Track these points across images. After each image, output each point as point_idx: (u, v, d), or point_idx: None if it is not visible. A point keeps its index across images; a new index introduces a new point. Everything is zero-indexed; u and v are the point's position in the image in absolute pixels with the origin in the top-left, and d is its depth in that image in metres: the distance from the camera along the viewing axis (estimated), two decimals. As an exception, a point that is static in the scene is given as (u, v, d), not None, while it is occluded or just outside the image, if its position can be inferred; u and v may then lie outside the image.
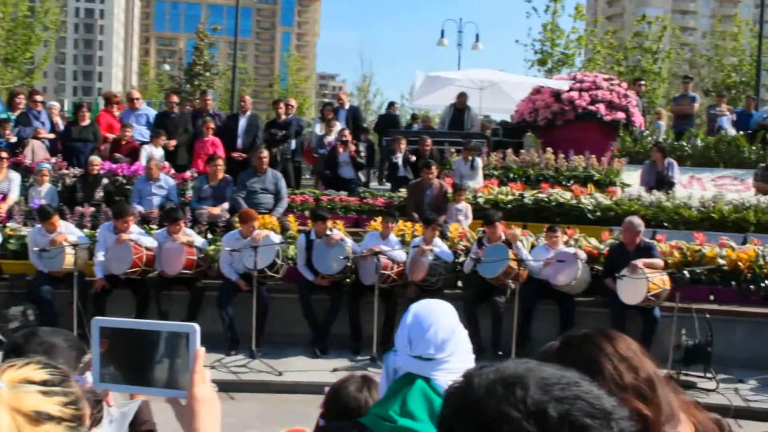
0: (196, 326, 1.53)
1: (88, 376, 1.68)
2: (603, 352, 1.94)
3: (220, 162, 10.95)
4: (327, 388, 2.92)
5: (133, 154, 12.15)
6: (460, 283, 9.42)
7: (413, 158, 12.73)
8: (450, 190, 10.88)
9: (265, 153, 10.88)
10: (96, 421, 2.36)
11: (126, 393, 1.81)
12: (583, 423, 0.98)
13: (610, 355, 1.93)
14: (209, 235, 9.82)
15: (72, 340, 2.31)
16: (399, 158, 12.94)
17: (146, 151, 11.96)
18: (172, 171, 11.67)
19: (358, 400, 2.81)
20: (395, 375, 2.12)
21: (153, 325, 1.56)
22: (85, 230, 9.62)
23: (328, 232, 8.90)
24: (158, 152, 11.98)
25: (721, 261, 9.10)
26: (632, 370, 1.92)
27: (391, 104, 18.77)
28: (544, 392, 1.00)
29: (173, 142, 12.59)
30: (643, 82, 17.53)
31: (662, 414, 1.89)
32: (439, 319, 2.10)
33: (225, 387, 7.83)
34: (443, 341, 2.06)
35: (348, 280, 9.09)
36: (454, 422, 1.05)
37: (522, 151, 13.54)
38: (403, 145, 13.10)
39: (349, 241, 8.98)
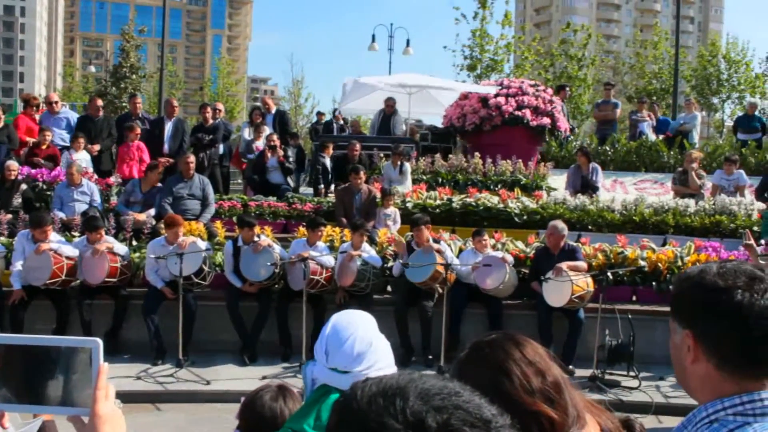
0: (99, 341, 1.48)
1: None
2: (511, 357, 1.96)
3: (161, 169, 10.77)
4: (243, 398, 2.87)
5: (54, 158, 11.78)
6: (389, 288, 9.45)
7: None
8: (379, 195, 10.91)
9: (192, 158, 10.71)
10: None
11: (24, 413, 1.74)
12: None
13: (518, 360, 1.96)
14: (134, 242, 9.59)
15: None
16: (327, 162, 12.97)
17: (66, 156, 11.61)
18: (95, 177, 11.36)
19: (273, 410, 2.77)
20: (314, 385, 2.10)
21: (51, 341, 1.50)
22: (1, 238, 9.28)
23: (256, 239, 8.81)
24: (81, 156, 11.64)
25: (642, 262, 9.37)
26: (539, 375, 1.95)
27: (320, 114, 18.83)
28: (423, 402, 1.01)
29: (96, 147, 12.27)
30: (568, 88, 17.96)
31: (569, 416, 1.93)
32: (356, 331, 2.08)
33: (151, 398, 7.69)
34: (359, 354, 2.04)
35: (276, 286, 9.01)
36: None
37: (450, 155, 13.68)
38: (330, 150, 13.13)
39: (277, 248, 8.90)
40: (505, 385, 1.91)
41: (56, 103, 13.33)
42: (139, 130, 12.16)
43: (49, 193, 10.87)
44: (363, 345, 2.05)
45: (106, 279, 8.53)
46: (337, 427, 1.06)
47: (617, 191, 13.53)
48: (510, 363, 1.95)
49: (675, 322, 1.63)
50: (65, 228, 9.86)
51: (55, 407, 1.50)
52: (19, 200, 10.52)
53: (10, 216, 9.94)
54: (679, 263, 9.40)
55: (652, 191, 13.59)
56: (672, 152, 14.80)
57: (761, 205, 11.50)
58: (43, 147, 11.89)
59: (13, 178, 10.62)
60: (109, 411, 1.47)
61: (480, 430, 1.01)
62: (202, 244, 8.72)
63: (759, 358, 1.52)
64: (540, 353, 2.01)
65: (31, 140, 12.21)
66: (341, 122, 18.31)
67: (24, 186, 10.72)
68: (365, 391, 1.05)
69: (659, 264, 9.35)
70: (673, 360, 1.64)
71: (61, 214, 10.09)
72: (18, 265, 8.47)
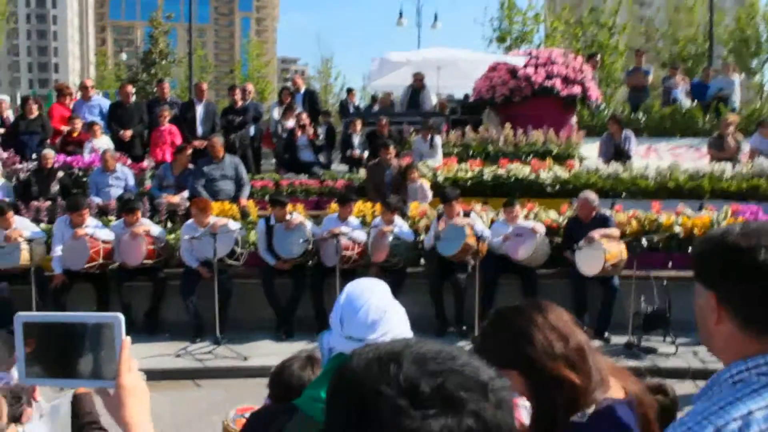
0: (120, 316, 1.54)
1: (14, 372, 1.67)
2: (534, 323, 1.98)
3: (189, 151, 10.89)
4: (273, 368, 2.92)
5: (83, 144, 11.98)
6: (422, 262, 9.47)
7: (358, 154, 12.76)
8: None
9: (217, 139, 10.76)
10: (17, 416, 2.34)
11: (54, 386, 1.81)
12: (456, 396, 0.99)
13: (540, 325, 1.98)
14: (169, 224, 9.74)
15: (4, 337, 2.29)
16: (356, 141, 12.98)
17: (89, 145, 11.78)
18: (129, 161, 11.53)
19: (301, 379, 2.82)
20: (330, 354, 2.13)
21: (77, 317, 1.56)
22: (42, 225, 9.48)
23: (288, 217, 8.88)
24: (103, 143, 11.77)
25: (678, 229, 9.26)
26: (562, 340, 1.97)
27: (350, 91, 18.75)
28: (418, 367, 1.01)
29: (129, 133, 12.44)
30: (598, 57, 17.68)
31: (592, 381, 1.94)
32: (370, 299, 2.10)
33: (191, 374, 7.85)
34: (373, 322, 2.06)
35: (310, 263, 9.09)
36: (333, 400, 1.06)
37: (481, 128, 13.60)
38: (359, 127, 13.12)
39: (309, 224, 8.97)
40: (527, 350, 1.94)
41: (91, 88, 13.53)
42: (168, 114, 12.28)
43: (85, 179, 11.07)
44: (377, 313, 2.07)
45: (144, 261, 8.70)
46: (333, 395, 1.07)
47: (651, 158, 13.34)
48: (532, 328, 1.97)
49: (699, 284, 1.63)
50: (102, 213, 10.05)
51: (84, 380, 1.57)
52: (57, 188, 10.74)
53: (49, 203, 10.15)
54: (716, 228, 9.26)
55: (687, 157, 13.37)
56: (707, 117, 14.53)
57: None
58: (74, 135, 12.08)
59: (50, 166, 10.83)
60: (133, 382, 1.52)
61: (476, 394, 1.00)
62: (234, 225, 8.81)
63: None
64: (563, 319, 2.03)
65: (65, 128, 12.41)
66: (355, 102, 18.17)
67: (61, 173, 10.93)
68: (362, 358, 1.06)
69: (695, 230, 9.23)
70: (699, 322, 1.64)
71: (98, 200, 10.27)
72: (58, 250, 8.68)
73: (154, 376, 7.35)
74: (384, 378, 1.01)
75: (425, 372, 1.01)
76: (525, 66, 14.13)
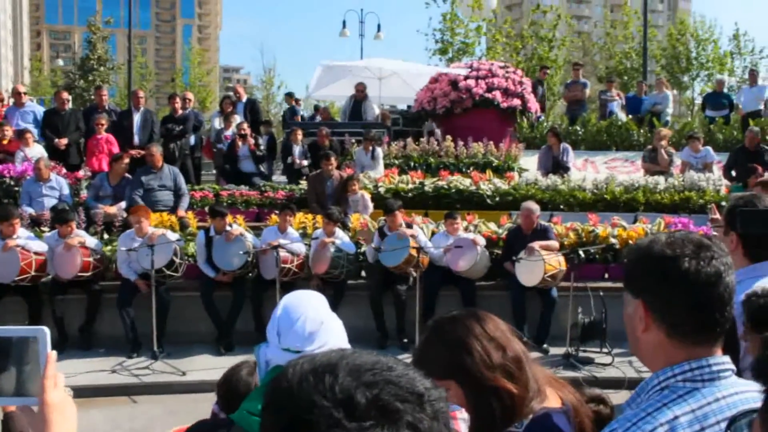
0: (45, 329, 1.48)
1: None
2: (472, 332, 1.99)
3: (126, 161, 10.68)
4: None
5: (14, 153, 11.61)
6: (363, 274, 9.47)
7: (303, 164, 12.75)
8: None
9: (156, 149, 10.59)
10: None
11: None
12: (393, 407, 0.98)
13: (478, 335, 1.98)
14: (105, 236, 9.52)
15: None
16: (296, 151, 12.93)
17: (20, 154, 11.43)
18: (64, 170, 11.24)
19: (249, 385, 2.79)
20: (267, 367, 2.11)
21: (0, 332, 1.50)
22: (-30, 236, 9.15)
23: (228, 228, 8.78)
24: (35, 152, 11.44)
25: (613, 240, 9.46)
26: (500, 350, 1.98)
27: (288, 96, 18.66)
28: (353, 379, 1.01)
29: (64, 141, 12.13)
30: (548, 70, 18.02)
31: (529, 390, 1.96)
32: (307, 311, 2.09)
33: (127, 390, 7.66)
34: (311, 333, 2.06)
35: (250, 275, 9.00)
36: (268, 412, 1.05)
37: (422, 139, 13.71)
38: (300, 137, 13.09)
39: (249, 236, 8.89)
40: (465, 361, 1.94)
41: (24, 93, 13.15)
42: (105, 122, 12.03)
43: (17, 188, 10.72)
44: (314, 324, 2.07)
45: (79, 273, 8.47)
46: (269, 407, 1.05)
47: (588, 170, 13.63)
48: (471, 338, 1.97)
49: (627, 293, 1.67)
50: (34, 224, 9.75)
51: (7, 398, 1.50)
52: (-14, 197, 10.38)
53: (-23, 213, 9.78)
54: (650, 240, 9.49)
55: (623, 170, 13.71)
56: (642, 130, 14.93)
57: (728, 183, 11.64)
58: (4, 142, 11.68)
59: (-22, 174, 10.47)
60: (59, 399, 1.47)
61: (412, 405, 1.00)
62: (172, 236, 8.67)
63: (706, 324, 1.57)
64: (501, 328, 2.04)
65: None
66: (301, 108, 18.12)
67: (-9, 182, 10.58)
68: (297, 369, 1.05)
69: (630, 241, 9.42)
70: (627, 331, 1.68)
71: (30, 210, 9.97)
72: (-14, 263, 8.37)
73: (88, 392, 7.18)
74: (319, 389, 1.00)
75: (361, 383, 1.00)
76: (466, 78, 14.31)
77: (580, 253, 8.74)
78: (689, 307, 1.56)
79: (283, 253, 8.46)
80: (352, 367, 1.03)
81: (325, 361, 1.05)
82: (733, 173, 11.68)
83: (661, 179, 11.66)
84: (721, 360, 1.57)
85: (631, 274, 1.67)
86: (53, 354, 1.47)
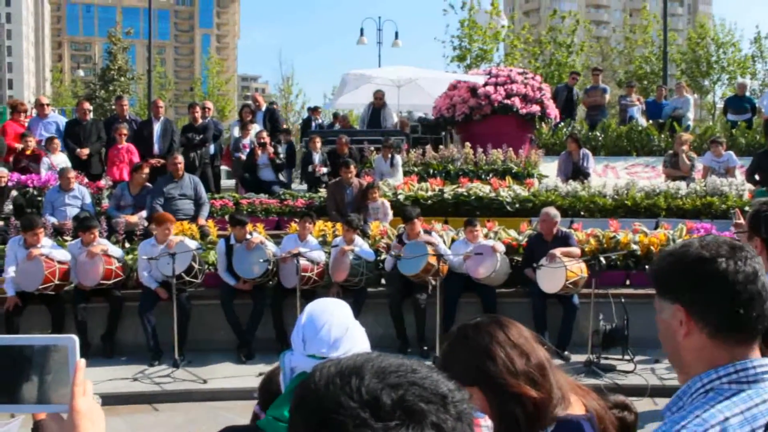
0: (75, 337, 1.50)
1: None
2: (495, 339, 1.99)
3: (146, 170, 10.79)
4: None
5: (38, 159, 11.76)
6: (383, 281, 9.48)
7: (322, 170, 12.81)
8: (371, 188, 10.95)
9: (180, 158, 10.72)
10: None
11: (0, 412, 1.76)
12: (417, 408, 1.01)
13: (502, 342, 1.99)
14: (127, 245, 9.60)
15: None
16: (316, 159, 12.97)
17: (47, 161, 11.59)
18: (86, 180, 11.37)
19: None
20: (292, 374, 2.13)
21: (21, 340, 1.52)
22: (-6, 245, 9.28)
23: (248, 236, 8.83)
24: (60, 159, 11.60)
25: (635, 246, 9.41)
26: (524, 357, 1.98)
27: (314, 109, 18.76)
28: (379, 380, 1.04)
29: (86, 151, 12.27)
30: (578, 76, 18.00)
31: (553, 398, 1.96)
32: (332, 318, 2.11)
33: (149, 398, 7.70)
34: (336, 340, 2.08)
35: (271, 283, 9.04)
36: (296, 415, 1.08)
37: (441, 146, 13.70)
38: (319, 145, 13.12)
39: (269, 244, 8.94)
40: (489, 368, 1.95)
41: (46, 105, 13.33)
42: (126, 131, 12.16)
43: (40, 198, 10.86)
44: (339, 330, 2.09)
45: (101, 281, 8.55)
46: (297, 409, 1.08)
47: (609, 176, 13.57)
48: (494, 345, 1.98)
49: (662, 300, 1.67)
50: (57, 233, 9.86)
51: (31, 405, 1.52)
52: (10, 207, 10.53)
53: (2, 223, 9.93)
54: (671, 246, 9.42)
55: (644, 175, 13.63)
56: (663, 135, 14.84)
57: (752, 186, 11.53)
58: (27, 152, 11.84)
59: (3, 184, 10.61)
60: (88, 406, 1.49)
61: (436, 405, 1.03)
62: (191, 243, 8.74)
63: (747, 322, 1.58)
64: (525, 335, 2.05)
65: (18, 146, 12.18)
66: (319, 120, 18.24)
67: (15, 192, 10.72)
68: (323, 372, 1.08)
69: (651, 247, 9.39)
70: (663, 339, 1.68)
71: (53, 219, 10.09)
72: (11, 272, 8.47)
73: (110, 400, 7.24)
74: (346, 391, 1.03)
75: (386, 384, 1.03)
76: (485, 85, 14.31)
77: (601, 259, 8.70)
78: (730, 307, 1.57)
79: (303, 262, 8.49)
80: (377, 369, 1.06)
81: (351, 363, 1.08)
82: (757, 177, 11.56)
83: (682, 184, 11.58)
84: (763, 362, 1.59)
85: (666, 280, 1.68)
86: (82, 362, 1.49)
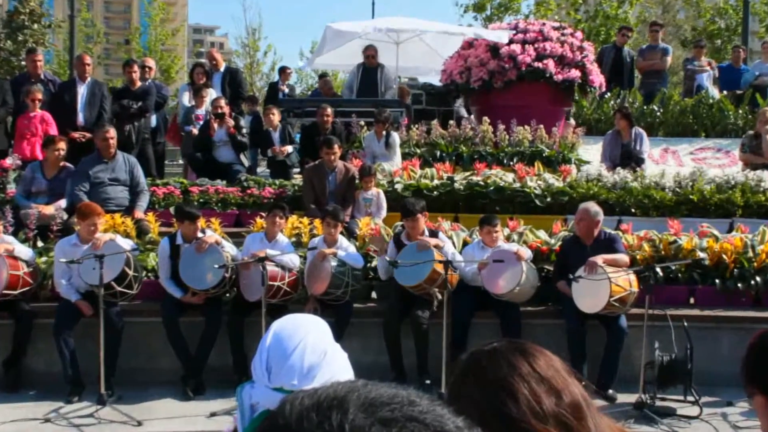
0: None
1: None
2: (517, 371, 1.98)
3: (63, 145, 10.74)
4: None
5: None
6: (374, 295, 9.48)
7: (286, 150, 12.76)
8: (358, 174, 10.94)
9: (112, 132, 10.67)
10: None
11: None
12: None
13: (525, 375, 1.98)
14: (39, 243, 9.58)
15: None
16: (275, 138, 12.89)
17: None
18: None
19: None
20: (253, 413, 2.12)
21: None
22: None
23: (200, 235, 8.83)
24: None
25: (702, 254, 9.43)
26: (553, 394, 1.97)
27: (283, 70, 18.75)
28: (367, 415, 1.02)
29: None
30: (630, 32, 17.97)
31: None
32: (306, 339, 2.10)
33: (66, 445, 7.70)
34: (310, 368, 2.06)
35: (228, 295, 9.05)
36: None
37: (451, 122, 13.68)
38: (277, 118, 13.06)
39: (227, 245, 8.94)
40: (508, 407, 1.94)
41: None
42: (41, 96, 12.12)
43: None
44: (315, 356, 2.07)
45: (5, 291, 8.53)
46: None
47: (668, 163, 13.60)
48: (516, 379, 1.97)
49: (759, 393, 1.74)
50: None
51: None
52: None
53: None
54: (750, 254, 9.46)
55: (715, 162, 13.67)
56: (741, 111, 14.87)
57: None
58: None
59: None
60: None
61: None
62: (124, 242, 8.73)
63: None
64: (555, 366, 2.04)
65: None
66: (285, 86, 18.21)
67: None
68: (295, 405, 1.06)
69: (724, 256, 9.41)
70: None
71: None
72: None
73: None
74: (324, 428, 1.01)
75: (376, 420, 1.02)
76: (509, 42, 14.31)
77: (658, 270, 8.71)
78: None
79: (270, 267, 8.49)
80: (364, 401, 1.05)
81: (331, 394, 1.07)
82: None
83: (765, 175, 11.61)
84: None
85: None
86: None
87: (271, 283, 8.49)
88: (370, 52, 14.82)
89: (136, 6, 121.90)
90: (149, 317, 8.94)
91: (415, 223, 8.92)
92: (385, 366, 8.83)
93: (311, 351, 2.08)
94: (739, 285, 9.31)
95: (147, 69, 13.81)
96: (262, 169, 14.16)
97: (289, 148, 12.87)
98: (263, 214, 9.80)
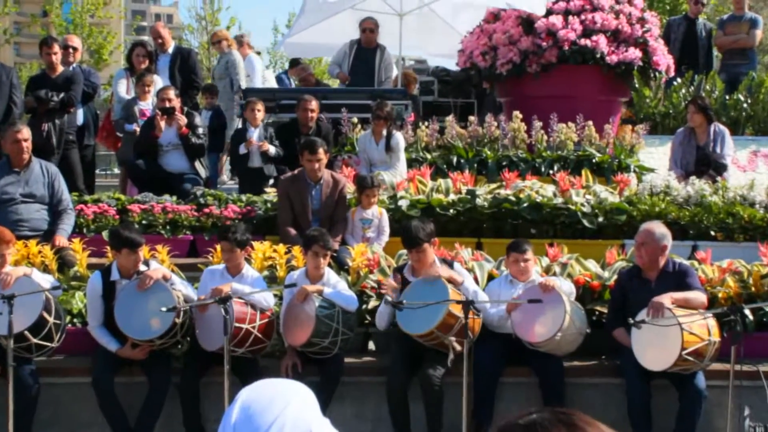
0: None
1: None
2: None
3: None
4: None
5: None
6: (372, 346, 9.47)
7: (266, 148, 12.72)
8: (351, 187, 10.93)
9: (26, 132, 10.70)
10: None
11: None
12: None
13: None
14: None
15: None
16: (254, 135, 12.87)
17: None
18: None
19: None
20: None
21: None
22: None
23: (142, 268, 8.83)
24: None
25: (805, 292, 9.44)
26: None
27: (295, 63, 18.86)
28: None
29: None
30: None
31: None
32: (284, 414, 2.10)
33: None
34: None
35: (179, 347, 9.04)
36: None
37: (472, 117, 13.71)
38: (260, 114, 13.04)
39: (178, 282, 8.93)
40: None
41: None
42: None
43: None
44: None
45: None
46: None
47: (759, 170, 13.62)
48: None
49: None
50: None
51: None
52: None
53: None
54: None
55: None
56: None
57: None
58: None
59: None
60: None
61: None
62: (42, 279, 8.75)
63: None
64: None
65: None
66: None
67: None
68: None
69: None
70: None
71: None
72: None
73: None
74: None
75: None
76: (548, 14, 14.35)
77: (747, 313, 8.72)
78: None
79: (237, 307, 8.50)
80: None
81: None
82: None
83: None
84: None
85: None
86: None
87: (238, 325, 8.48)
88: (368, 24, 14.80)
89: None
90: (75, 377, 8.96)
91: (422, 255, 8.87)
92: (387, 439, 8.84)
93: (291, 427, 2.09)
94: None
95: (71, 50, 13.84)
96: (225, 178, 14.15)
97: (271, 149, 12.73)
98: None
